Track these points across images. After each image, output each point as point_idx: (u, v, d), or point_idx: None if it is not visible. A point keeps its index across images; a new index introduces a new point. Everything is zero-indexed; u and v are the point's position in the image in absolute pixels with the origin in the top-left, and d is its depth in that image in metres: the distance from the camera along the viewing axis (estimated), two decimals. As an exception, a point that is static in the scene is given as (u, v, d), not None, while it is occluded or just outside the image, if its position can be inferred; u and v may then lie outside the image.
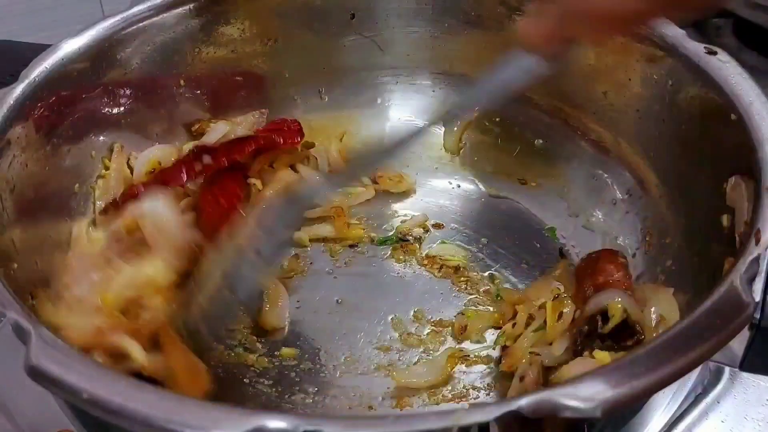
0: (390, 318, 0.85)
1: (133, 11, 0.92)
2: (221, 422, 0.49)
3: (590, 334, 0.72)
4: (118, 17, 0.91)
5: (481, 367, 0.80)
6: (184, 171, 0.89)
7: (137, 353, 0.72)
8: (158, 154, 0.96)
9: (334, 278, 0.91)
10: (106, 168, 0.92)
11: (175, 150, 0.98)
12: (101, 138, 0.92)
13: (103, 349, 0.72)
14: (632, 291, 0.75)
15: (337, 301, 0.88)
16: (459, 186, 1.03)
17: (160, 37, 0.95)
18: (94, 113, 0.90)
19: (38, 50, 0.84)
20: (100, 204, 0.90)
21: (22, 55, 0.86)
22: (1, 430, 0.72)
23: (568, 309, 0.76)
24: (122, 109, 0.94)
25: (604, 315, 0.72)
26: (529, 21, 0.65)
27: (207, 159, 0.90)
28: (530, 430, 0.50)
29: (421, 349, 0.82)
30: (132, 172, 0.94)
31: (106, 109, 0.92)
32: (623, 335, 0.70)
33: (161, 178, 0.89)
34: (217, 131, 1.00)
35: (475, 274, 0.90)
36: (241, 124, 1.03)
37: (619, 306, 0.71)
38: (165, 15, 0.94)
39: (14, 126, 0.78)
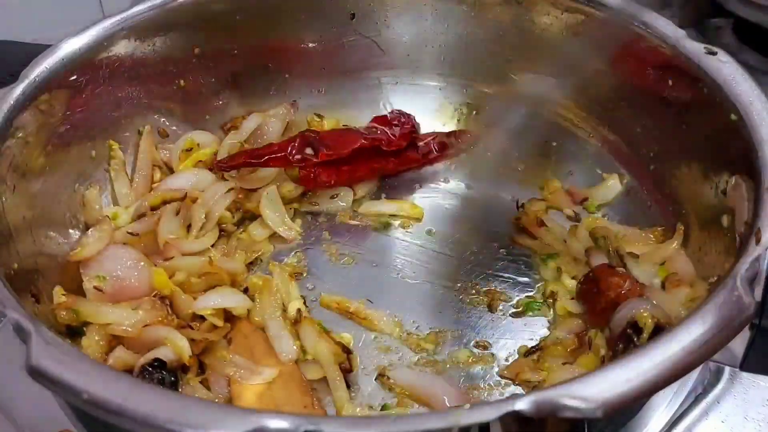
0: (389, 318, 0.85)
1: (133, 11, 0.92)
2: (221, 422, 0.49)
3: (625, 350, 0.71)
4: (118, 17, 0.91)
5: (481, 368, 0.80)
6: (287, 155, 0.94)
7: (184, 349, 0.74)
8: (196, 136, 1.00)
9: (333, 279, 0.90)
10: (114, 158, 0.94)
11: (213, 137, 1.01)
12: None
13: (140, 342, 0.75)
14: (647, 295, 0.75)
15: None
16: (459, 186, 1.03)
17: (159, 36, 0.95)
18: (94, 112, 0.91)
19: (38, 50, 0.85)
20: (122, 189, 0.94)
21: (22, 55, 0.86)
22: (1, 430, 0.72)
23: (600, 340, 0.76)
24: (120, 109, 0.95)
25: (634, 327, 0.71)
26: None
27: (309, 150, 0.94)
28: (530, 430, 0.50)
29: (421, 350, 0.82)
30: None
31: (106, 108, 0.93)
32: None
33: (267, 154, 0.94)
34: (250, 123, 1.02)
35: (474, 273, 0.90)
36: (274, 117, 1.04)
37: (646, 314, 0.70)
38: (165, 15, 0.94)
39: (16, 124, 0.78)
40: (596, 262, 0.84)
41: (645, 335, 0.69)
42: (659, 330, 0.69)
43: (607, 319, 0.74)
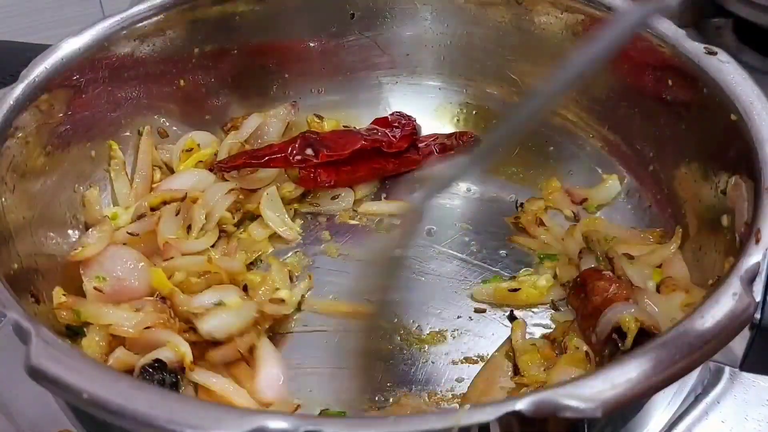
0: (389, 318, 0.85)
1: (133, 11, 0.92)
2: (222, 422, 0.49)
3: (612, 355, 0.71)
4: (118, 17, 0.91)
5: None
6: (287, 156, 0.94)
7: (187, 355, 0.74)
8: (196, 136, 1.00)
9: (333, 279, 0.90)
10: (114, 158, 0.94)
11: (213, 138, 1.02)
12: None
13: (142, 344, 0.75)
14: (634, 298, 0.75)
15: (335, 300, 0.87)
16: (459, 186, 1.02)
17: (159, 36, 0.95)
18: (94, 112, 0.91)
19: (38, 50, 0.85)
20: (122, 190, 0.94)
21: (22, 55, 0.86)
22: (1, 430, 0.72)
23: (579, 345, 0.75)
24: (120, 110, 0.95)
25: (619, 331, 0.71)
26: None
27: (309, 151, 0.94)
28: (530, 430, 0.50)
29: (422, 349, 0.82)
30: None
31: (106, 108, 0.93)
32: (643, 341, 0.68)
33: (268, 154, 0.94)
34: (251, 124, 1.02)
35: (474, 273, 0.90)
36: (274, 117, 1.04)
37: (629, 318, 0.70)
38: (165, 15, 0.94)
39: (16, 124, 0.78)
40: (586, 265, 0.84)
41: (629, 340, 0.69)
42: (644, 333, 0.69)
43: (595, 323, 0.74)
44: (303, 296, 0.87)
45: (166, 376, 0.71)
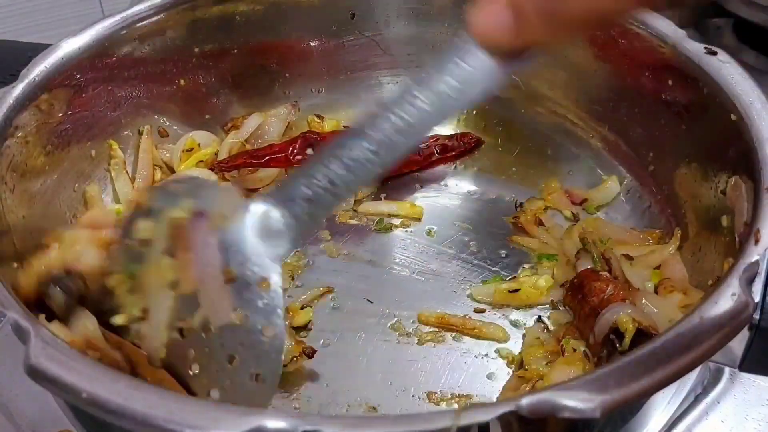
0: (389, 318, 0.85)
1: (133, 11, 0.92)
2: (221, 422, 0.49)
3: (610, 356, 0.71)
4: (118, 17, 0.91)
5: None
6: (288, 156, 0.94)
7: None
8: (197, 136, 1.00)
9: (333, 279, 0.90)
10: (114, 158, 0.94)
11: (213, 138, 1.02)
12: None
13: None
14: (632, 299, 0.75)
15: (334, 303, 0.87)
16: (459, 186, 1.02)
17: (159, 36, 0.95)
18: (94, 111, 0.91)
19: (38, 50, 0.85)
20: (123, 189, 0.94)
21: (22, 54, 0.86)
22: (1, 430, 0.72)
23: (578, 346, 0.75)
24: (120, 109, 0.95)
25: (617, 332, 0.70)
26: (485, 11, 0.52)
27: (310, 151, 0.94)
28: (530, 430, 0.50)
29: (421, 349, 0.82)
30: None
31: (106, 107, 0.93)
32: (640, 342, 0.67)
33: (268, 154, 0.95)
34: (251, 123, 1.02)
35: (474, 273, 0.90)
36: (275, 117, 1.04)
37: (626, 319, 0.70)
38: (165, 15, 0.94)
39: (16, 123, 0.78)
40: (583, 266, 0.84)
41: (627, 341, 0.69)
42: (642, 334, 0.69)
43: (592, 324, 0.74)
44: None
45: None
